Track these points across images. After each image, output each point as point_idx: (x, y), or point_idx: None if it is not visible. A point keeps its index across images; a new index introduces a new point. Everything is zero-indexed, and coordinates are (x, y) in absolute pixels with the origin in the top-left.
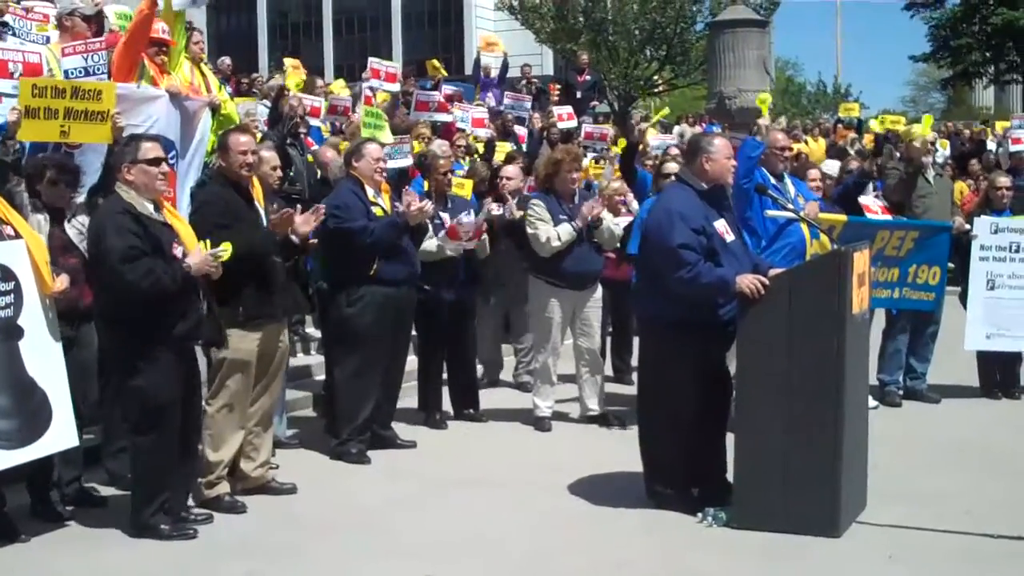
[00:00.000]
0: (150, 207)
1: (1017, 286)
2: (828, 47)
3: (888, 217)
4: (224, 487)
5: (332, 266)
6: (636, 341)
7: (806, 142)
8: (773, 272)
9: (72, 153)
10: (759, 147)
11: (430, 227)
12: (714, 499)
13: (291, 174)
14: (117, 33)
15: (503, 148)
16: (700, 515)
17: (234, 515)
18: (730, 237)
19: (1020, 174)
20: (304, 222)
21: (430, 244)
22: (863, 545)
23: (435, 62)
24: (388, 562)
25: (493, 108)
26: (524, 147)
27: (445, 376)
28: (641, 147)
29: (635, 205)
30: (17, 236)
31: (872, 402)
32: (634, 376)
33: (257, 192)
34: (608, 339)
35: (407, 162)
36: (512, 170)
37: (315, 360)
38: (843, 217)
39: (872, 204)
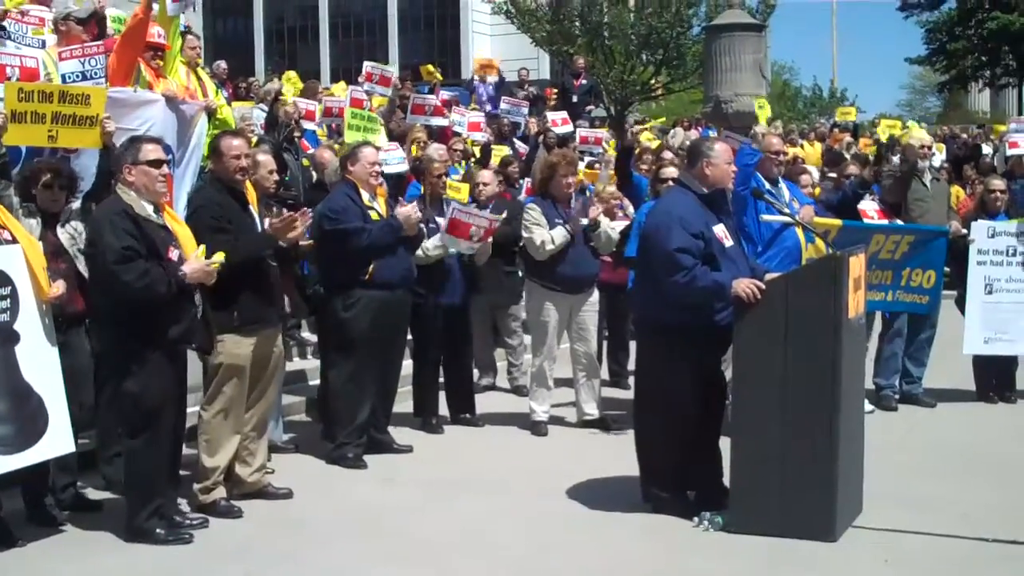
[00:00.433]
0: (149, 209)
1: (1015, 290)
2: (824, 51)
3: (885, 222)
4: (220, 492)
5: (328, 270)
6: (632, 345)
7: (802, 146)
8: (769, 276)
9: (69, 157)
10: (755, 155)
11: (425, 232)
12: (710, 503)
13: (286, 179)
14: (113, 37)
15: (499, 152)
16: (697, 519)
17: (230, 519)
18: (729, 242)
19: (1016, 178)
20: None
21: (430, 247)
22: (859, 549)
23: (430, 67)
24: (385, 566)
25: (489, 112)
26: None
27: (441, 380)
28: (637, 151)
29: (631, 209)
30: (14, 241)
31: (868, 406)
32: (630, 380)
33: (251, 196)
34: (604, 343)
35: (403, 167)
36: (487, 175)
37: (311, 364)
38: (838, 221)
39: (869, 209)
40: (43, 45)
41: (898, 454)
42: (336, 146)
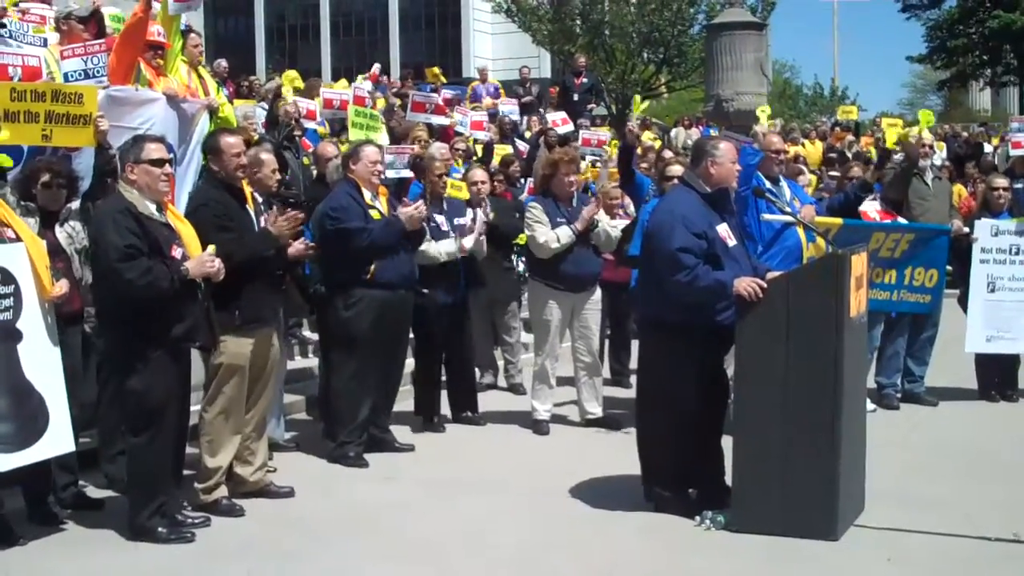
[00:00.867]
0: (151, 207)
1: (1017, 288)
2: (825, 49)
3: (890, 221)
4: (222, 491)
5: (329, 269)
6: (634, 344)
7: (803, 145)
8: (771, 275)
9: (70, 157)
10: (757, 155)
11: (427, 230)
12: (712, 502)
13: (287, 177)
14: (113, 36)
15: (501, 151)
16: (698, 518)
17: (231, 518)
18: (732, 241)
19: (1018, 177)
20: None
21: (431, 248)
22: (861, 548)
23: (435, 70)
24: (386, 565)
25: (491, 111)
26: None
27: (443, 379)
28: (640, 150)
29: (631, 208)
30: (18, 239)
31: (870, 405)
32: (632, 379)
33: (247, 193)
34: (606, 342)
35: (407, 173)
36: (481, 174)
37: (313, 363)
38: (839, 220)
39: (871, 211)
40: (44, 43)
41: (900, 453)
42: (342, 145)
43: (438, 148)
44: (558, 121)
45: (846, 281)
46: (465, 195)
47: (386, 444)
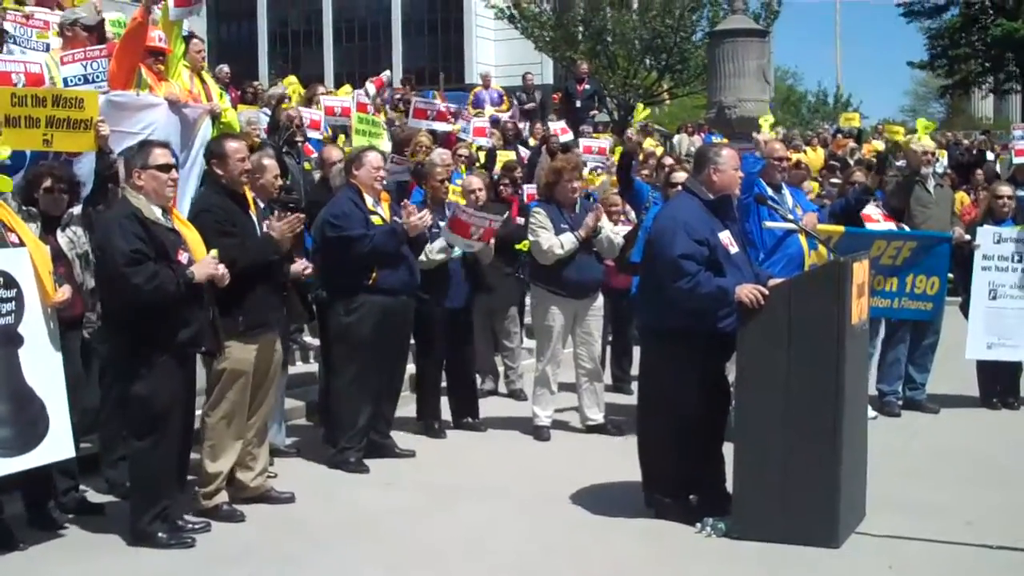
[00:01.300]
0: (158, 212)
1: (1019, 296)
2: (828, 55)
3: (889, 226)
4: (223, 496)
5: (330, 275)
6: (635, 350)
7: (805, 152)
8: (773, 282)
9: (71, 161)
10: (758, 163)
11: (428, 236)
12: (713, 508)
13: (287, 182)
14: (113, 42)
15: (504, 157)
16: (699, 525)
17: (232, 524)
18: (734, 248)
19: (1021, 184)
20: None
21: (433, 251)
22: (862, 556)
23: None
24: (386, 571)
25: (493, 117)
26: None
27: (444, 385)
28: (641, 157)
29: (632, 215)
30: (21, 244)
31: (871, 412)
32: (633, 385)
33: (250, 199)
34: (607, 348)
35: (404, 176)
36: (477, 181)
37: (313, 369)
38: (841, 228)
39: (873, 213)
40: (47, 49)
41: (901, 460)
42: (347, 150)
43: (439, 154)
44: (558, 131)
45: (848, 288)
46: (465, 201)
47: (387, 450)
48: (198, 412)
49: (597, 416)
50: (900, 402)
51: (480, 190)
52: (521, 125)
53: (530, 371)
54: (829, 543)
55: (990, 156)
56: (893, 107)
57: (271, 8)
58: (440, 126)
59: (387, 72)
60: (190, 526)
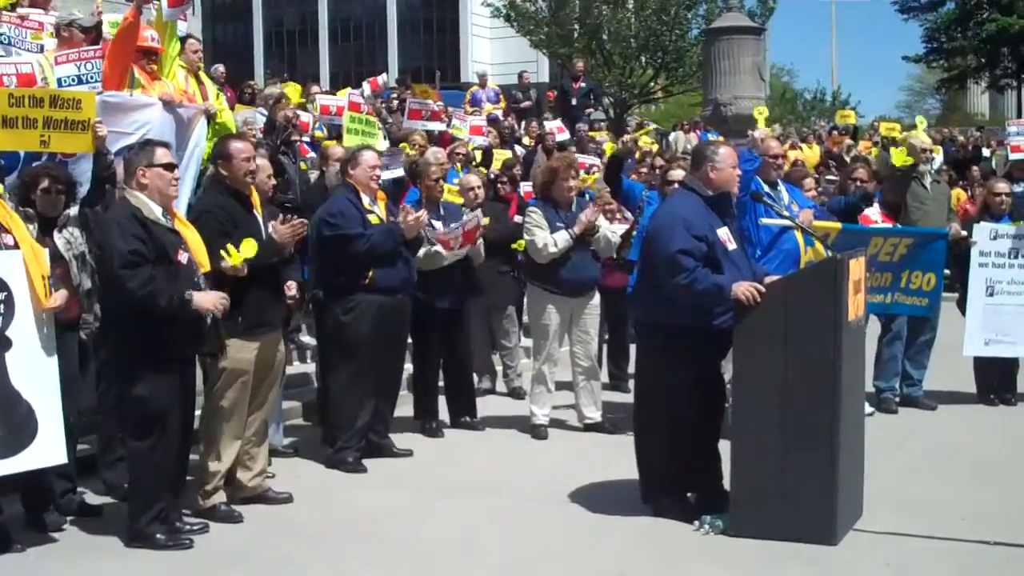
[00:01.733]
0: (158, 212)
1: (1016, 292)
2: (823, 52)
3: (887, 225)
4: (220, 496)
5: (327, 274)
6: (632, 348)
7: (801, 149)
8: (769, 279)
9: (67, 162)
10: (755, 161)
11: (425, 236)
12: (711, 506)
13: (284, 180)
14: (108, 41)
15: (502, 156)
16: (697, 523)
17: (230, 524)
18: (732, 246)
19: (1017, 181)
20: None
21: (424, 253)
22: (860, 553)
23: (424, 87)
24: (384, 571)
25: (491, 116)
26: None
27: (442, 384)
28: (637, 155)
29: (628, 214)
30: (16, 246)
31: (868, 409)
32: (630, 383)
33: (255, 200)
34: (604, 346)
35: (399, 173)
36: (475, 180)
37: (310, 369)
38: (837, 224)
39: (872, 214)
40: (41, 50)
41: (899, 457)
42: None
43: (433, 153)
44: (554, 129)
45: (844, 285)
46: (462, 199)
47: (384, 449)
48: (197, 412)
49: (595, 414)
50: (897, 399)
51: (478, 188)
52: (514, 124)
53: (528, 370)
54: (827, 540)
55: (986, 152)
56: (889, 104)
57: (267, 8)
58: (435, 126)
59: (383, 76)
60: (188, 527)
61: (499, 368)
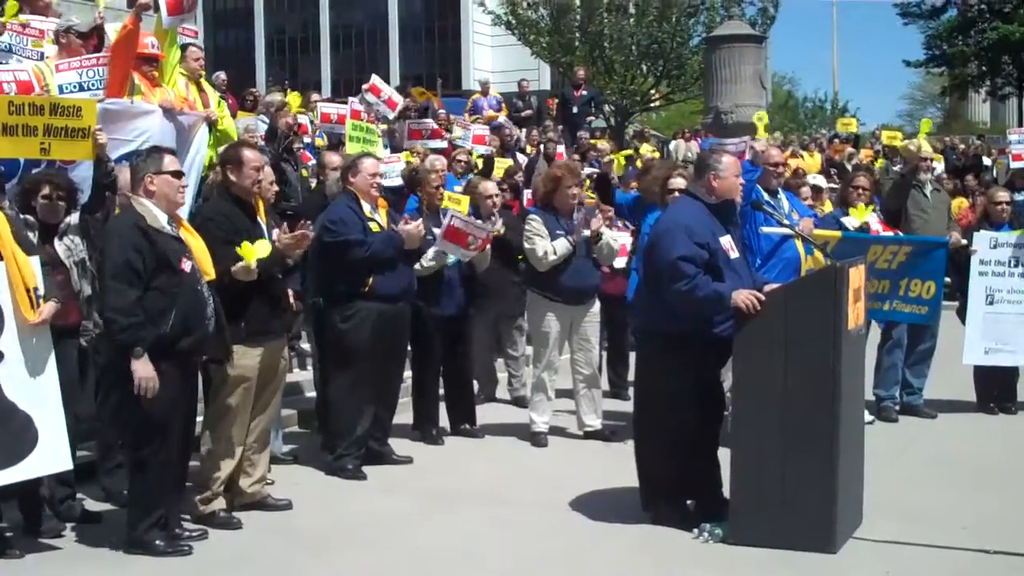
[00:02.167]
0: (163, 220)
1: (1016, 301)
2: (825, 60)
3: (888, 234)
4: (220, 503)
5: (327, 281)
6: (632, 356)
7: (802, 157)
8: (769, 288)
9: (67, 169)
10: (755, 171)
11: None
12: (710, 514)
13: (285, 189)
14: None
15: (503, 164)
16: (696, 531)
17: (229, 531)
18: (734, 254)
19: (1017, 189)
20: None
21: (426, 259)
22: (860, 561)
23: (419, 89)
24: None
25: (494, 124)
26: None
27: (442, 391)
28: (639, 164)
29: (627, 223)
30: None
31: (868, 417)
32: (630, 391)
33: (260, 209)
34: (604, 354)
35: (397, 181)
36: (493, 187)
37: (306, 376)
38: (837, 233)
39: (872, 222)
40: (42, 57)
41: (898, 465)
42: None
43: (433, 161)
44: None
45: (844, 293)
46: (464, 209)
47: (384, 456)
48: (198, 419)
49: (595, 422)
50: (897, 407)
51: (496, 196)
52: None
53: (529, 378)
54: (826, 549)
55: (987, 161)
56: (890, 112)
57: (268, 15)
58: (435, 144)
59: (376, 78)
60: (187, 534)
61: (502, 375)
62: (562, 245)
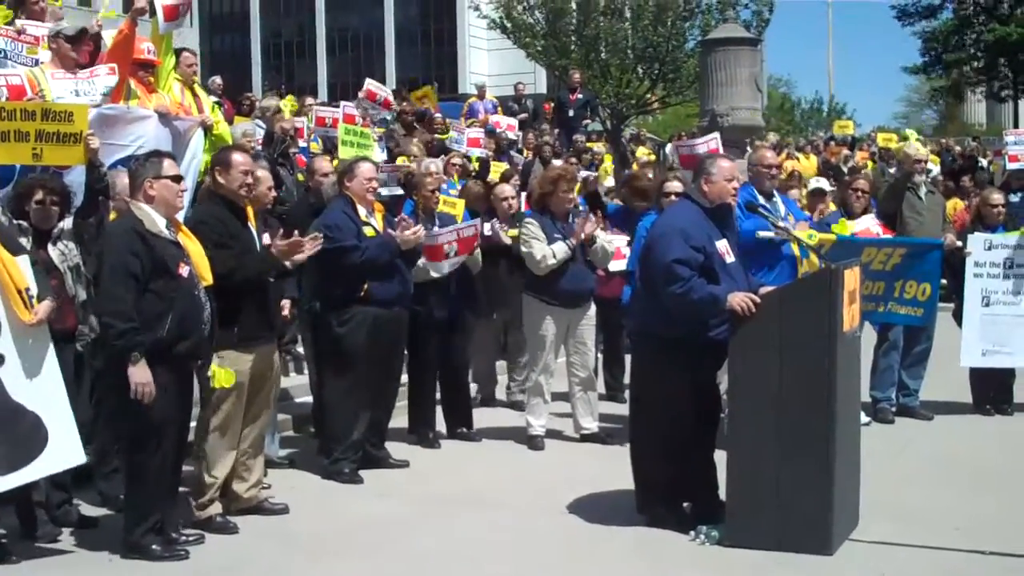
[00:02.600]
0: (161, 224)
1: (1012, 302)
2: (820, 63)
3: (884, 236)
4: (216, 507)
5: (323, 286)
6: (627, 358)
7: (798, 159)
8: (764, 290)
9: (61, 173)
10: (745, 189)
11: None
12: (706, 517)
13: (281, 194)
14: (103, 54)
15: (499, 168)
16: (692, 533)
17: (226, 535)
18: (730, 258)
19: (1013, 191)
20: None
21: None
22: (856, 563)
23: (418, 92)
24: None
25: (488, 127)
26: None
27: (438, 395)
28: (635, 166)
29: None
30: None
31: (864, 419)
32: (626, 394)
33: (249, 213)
34: (599, 357)
35: (398, 191)
36: (509, 190)
37: (301, 381)
38: (832, 236)
39: (872, 226)
40: (36, 63)
41: (895, 467)
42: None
43: (429, 164)
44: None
45: (839, 295)
46: (459, 212)
47: (381, 461)
48: (192, 424)
49: (591, 425)
50: (893, 409)
51: (512, 198)
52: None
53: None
54: (822, 551)
55: (983, 162)
56: (886, 114)
57: (264, 20)
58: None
59: (370, 82)
60: (183, 538)
61: (501, 377)
62: (561, 248)
